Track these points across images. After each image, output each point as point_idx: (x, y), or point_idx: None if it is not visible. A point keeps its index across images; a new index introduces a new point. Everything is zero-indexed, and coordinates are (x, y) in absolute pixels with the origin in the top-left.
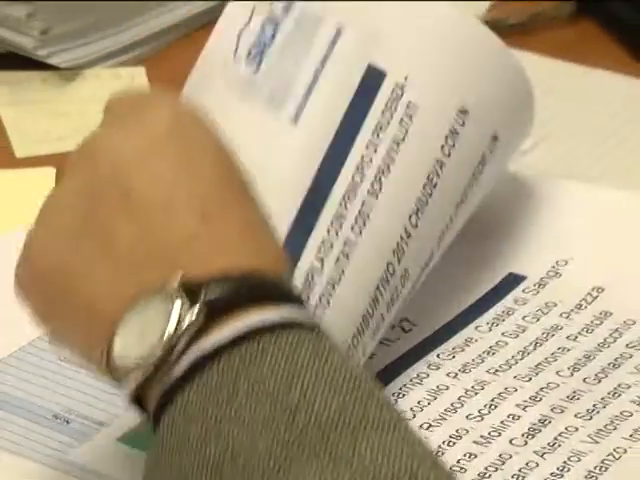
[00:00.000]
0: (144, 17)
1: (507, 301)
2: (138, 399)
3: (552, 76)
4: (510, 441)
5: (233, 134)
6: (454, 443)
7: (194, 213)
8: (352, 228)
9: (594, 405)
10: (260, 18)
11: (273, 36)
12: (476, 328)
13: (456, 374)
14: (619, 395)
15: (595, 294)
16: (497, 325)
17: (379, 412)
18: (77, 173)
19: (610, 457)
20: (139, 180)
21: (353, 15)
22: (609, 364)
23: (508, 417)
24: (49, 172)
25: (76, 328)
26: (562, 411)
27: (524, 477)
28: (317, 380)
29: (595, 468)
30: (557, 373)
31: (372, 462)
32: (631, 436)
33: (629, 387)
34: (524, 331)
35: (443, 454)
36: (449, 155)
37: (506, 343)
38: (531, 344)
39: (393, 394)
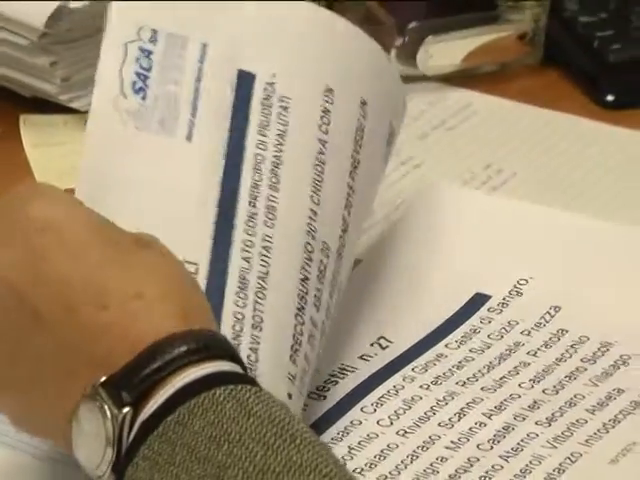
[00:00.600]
0: None
1: (474, 320)
2: None
3: (520, 119)
4: (477, 446)
5: (138, 164)
6: (427, 448)
7: (94, 305)
8: (265, 223)
9: (553, 414)
10: (133, 53)
11: (149, 66)
12: (446, 345)
13: (428, 386)
14: (575, 405)
15: (553, 312)
16: (465, 342)
17: (300, 456)
18: None
19: (567, 461)
20: (35, 294)
21: (214, 28)
22: (566, 377)
23: (475, 424)
24: None
25: (33, 420)
26: (524, 419)
27: (490, 479)
28: (242, 435)
29: (554, 471)
30: (519, 385)
31: None
32: (586, 441)
33: (584, 397)
34: (489, 347)
35: (418, 458)
36: (327, 132)
37: (473, 358)
38: (496, 359)
39: (372, 404)
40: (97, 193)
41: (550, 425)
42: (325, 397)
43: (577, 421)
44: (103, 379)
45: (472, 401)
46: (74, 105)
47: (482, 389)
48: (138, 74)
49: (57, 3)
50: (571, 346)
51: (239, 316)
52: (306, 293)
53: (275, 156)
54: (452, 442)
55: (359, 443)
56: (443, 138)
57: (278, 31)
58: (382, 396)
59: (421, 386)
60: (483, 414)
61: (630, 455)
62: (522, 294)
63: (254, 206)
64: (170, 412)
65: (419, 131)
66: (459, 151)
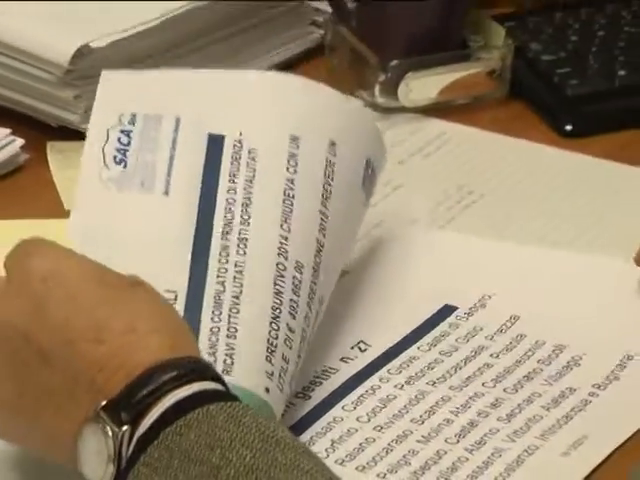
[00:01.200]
0: None
1: (443, 326)
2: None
3: (490, 146)
4: (446, 440)
5: (122, 218)
6: (401, 442)
7: (92, 340)
8: (237, 252)
9: (512, 410)
10: (114, 135)
11: (129, 142)
12: (418, 348)
13: (402, 386)
14: (532, 402)
15: (513, 320)
16: (435, 346)
17: (284, 457)
18: None
19: (525, 453)
20: (40, 335)
21: (185, 104)
22: (524, 377)
23: (444, 421)
24: None
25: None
26: (487, 415)
27: (457, 469)
28: (233, 441)
29: (513, 462)
30: (483, 384)
31: None
32: (542, 435)
33: (540, 395)
34: (457, 350)
35: (392, 451)
36: (295, 172)
37: (442, 360)
38: (462, 361)
39: (352, 402)
40: (88, 244)
41: (510, 421)
42: (310, 397)
43: (534, 417)
44: (104, 403)
45: (441, 399)
46: None
47: (450, 388)
48: (118, 149)
49: (79, 42)
50: (529, 349)
51: (215, 329)
52: (280, 304)
53: (245, 197)
54: (423, 436)
55: (340, 437)
56: (421, 163)
57: (240, 96)
58: (361, 395)
59: (395, 386)
60: (451, 411)
61: (581, 448)
62: (486, 306)
63: (227, 240)
64: (168, 424)
65: (399, 157)
66: (435, 175)
